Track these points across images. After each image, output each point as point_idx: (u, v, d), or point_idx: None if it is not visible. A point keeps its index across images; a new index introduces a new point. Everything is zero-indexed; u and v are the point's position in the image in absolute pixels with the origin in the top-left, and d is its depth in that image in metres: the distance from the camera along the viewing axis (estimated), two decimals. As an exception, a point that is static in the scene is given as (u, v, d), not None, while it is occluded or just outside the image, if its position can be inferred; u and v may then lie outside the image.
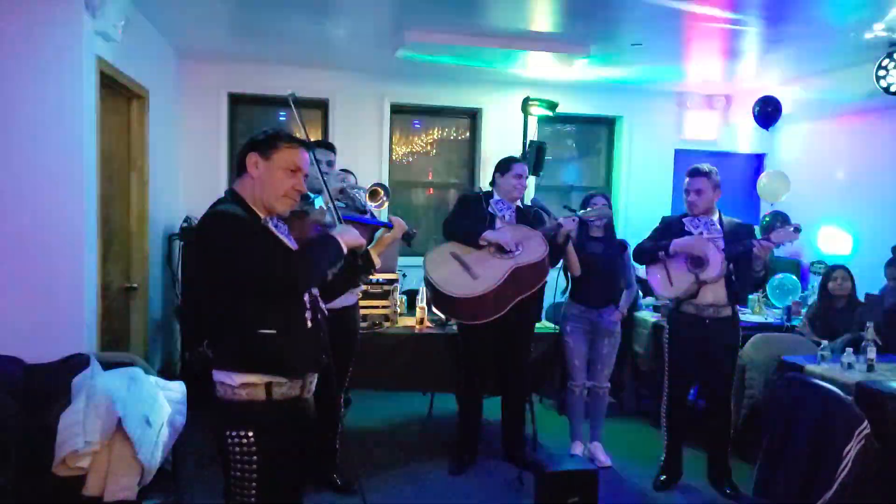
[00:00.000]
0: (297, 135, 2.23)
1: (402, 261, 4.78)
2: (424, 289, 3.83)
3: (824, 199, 6.03)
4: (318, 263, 2.10)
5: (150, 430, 2.62)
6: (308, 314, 2.13)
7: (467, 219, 3.87)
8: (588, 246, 4.08)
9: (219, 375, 2.05)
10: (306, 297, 2.14)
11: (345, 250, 2.14)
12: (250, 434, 2.02)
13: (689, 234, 3.74)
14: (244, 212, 2.06)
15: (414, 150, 6.56)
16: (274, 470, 2.07)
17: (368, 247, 2.54)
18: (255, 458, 2.02)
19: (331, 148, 3.67)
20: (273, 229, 2.11)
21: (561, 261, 4.02)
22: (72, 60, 3.20)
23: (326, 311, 2.28)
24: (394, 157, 6.41)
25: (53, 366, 3.02)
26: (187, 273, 4.84)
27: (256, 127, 5.72)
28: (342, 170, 3.77)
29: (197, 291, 2.14)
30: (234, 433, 2.02)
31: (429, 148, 6.60)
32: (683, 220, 3.82)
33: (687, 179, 3.77)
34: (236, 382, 2.02)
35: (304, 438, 2.21)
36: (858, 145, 5.73)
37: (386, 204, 3.22)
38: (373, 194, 3.11)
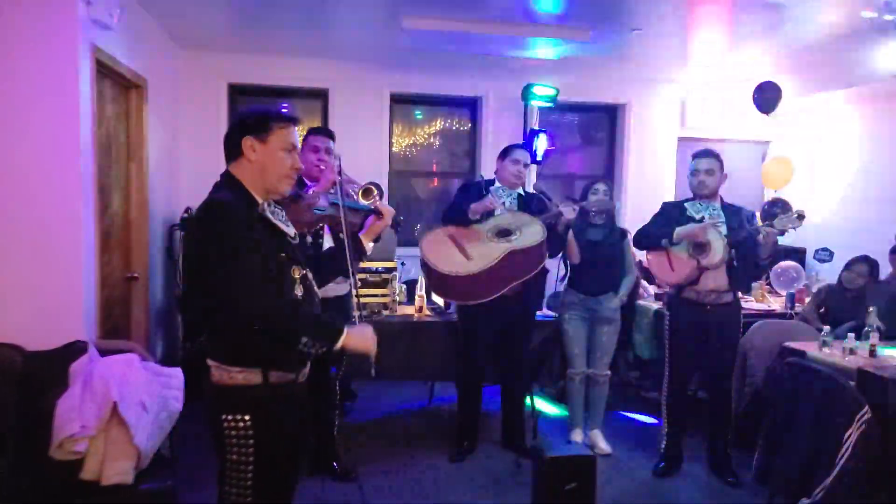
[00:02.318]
0: None
1: (400, 251, 4.77)
2: (421, 273, 3.82)
3: (829, 186, 5.99)
4: (301, 330, 2.00)
5: (146, 415, 2.63)
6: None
7: (466, 205, 3.86)
8: (588, 233, 4.07)
9: (214, 362, 2.05)
10: (299, 291, 2.10)
11: (338, 345, 2.04)
12: (247, 418, 2.01)
13: (692, 218, 3.72)
14: (242, 198, 2.04)
15: (416, 140, 6.54)
16: (270, 453, 2.06)
17: (360, 234, 2.54)
18: (251, 441, 2.02)
19: (329, 134, 3.62)
20: (270, 217, 2.09)
21: (562, 251, 4.01)
22: (67, 48, 3.18)
23: (320, 298, 2.27)
24: (395, 149, 6.40)
25: (53, 353, 3.02)
26: (186, 262, 4.83)
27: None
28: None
29: (194, 281, 2.11)
30: (230, 417, 2.02)
31: (431, 139, 6.58)
32: (685, 204, 3.81)
33: (695, 161, 3.75)
34: (233, 368, 2.01)
35: (299, 422, 2.21)
36: (864, 131, 5.68)
37: (378, 202, 3.20)
38: (366, 192, 3.09)
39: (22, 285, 3.16)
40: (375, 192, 3.13)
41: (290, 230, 2.17)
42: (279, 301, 1.99)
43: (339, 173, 2.65)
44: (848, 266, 4.59)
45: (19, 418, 2.59)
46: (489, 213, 3.79)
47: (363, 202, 2.98)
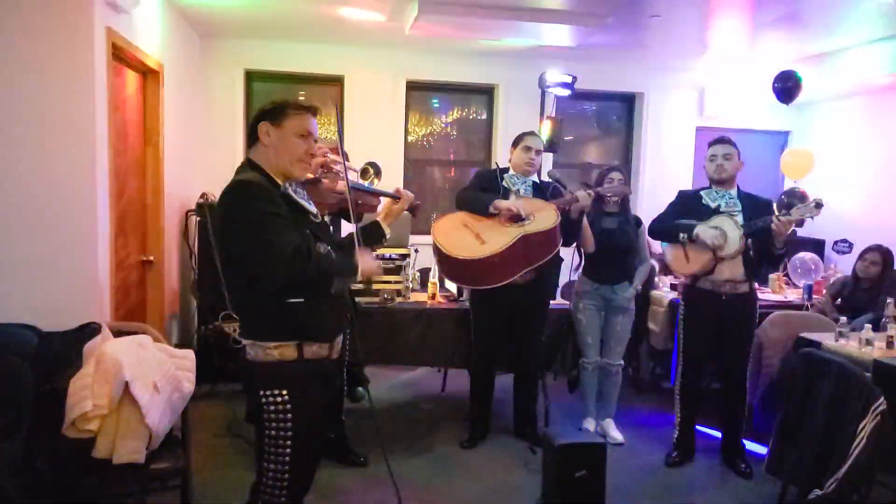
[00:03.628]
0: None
1: (414, 238, 4.76)
2: (433, 257, 3.81)
3: (850, 177, 5.89)
4: (329, 274, 2.14)
5: (158, 396, 2.64)
6: None
7: (481, 192, 3.84)
8: (602, 221, 4.04)
9: (249, 340, 2.10)
10: None
11: (358, 277, 2.20)
12: (284, 393, 2.08)
13: (707, 207, 3.67)
14: (265, 179, 2.11)
15: (432, 129, 6.53)
16: (306, 428, 2.13)
17: (378, 218, 2.55)
18: (289, 416, 2.08)
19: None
20: (293, 195, 2.17)
21: (577, 240, 3.98)
22: (81, 31, 3.18)
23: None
24: (412, 138, 6.41)
25: (67, 334, 3.05)
26: (211, 243, 4.83)
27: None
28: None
29: (221, 261, 2.18)
30: (268, 392, 2.08)
31: (447, 128, 6.56)
32: (701, 192, 3.76)
33: (712, 147, 3.71)
34: (269, 344, 2.07)
35: (330, 399, 2.27)
36: (886, 121, 5.57)
37: (376, 182, 3.19)
38: (364, 172, 3.09)
39: (38, 267, 3.19)
40: (371, 171, 3.13)
41: (313, 208, 2.26)
42: (308, 255, 2.07)
43: (339, 153, 2.64)
44: (861, 256, 4.55)
45: (33, 397, 2.62)
46: (504, 199, 3.77)
47: (362, 182, 2.99)
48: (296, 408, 2.08)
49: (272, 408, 2.08)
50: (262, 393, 2.08)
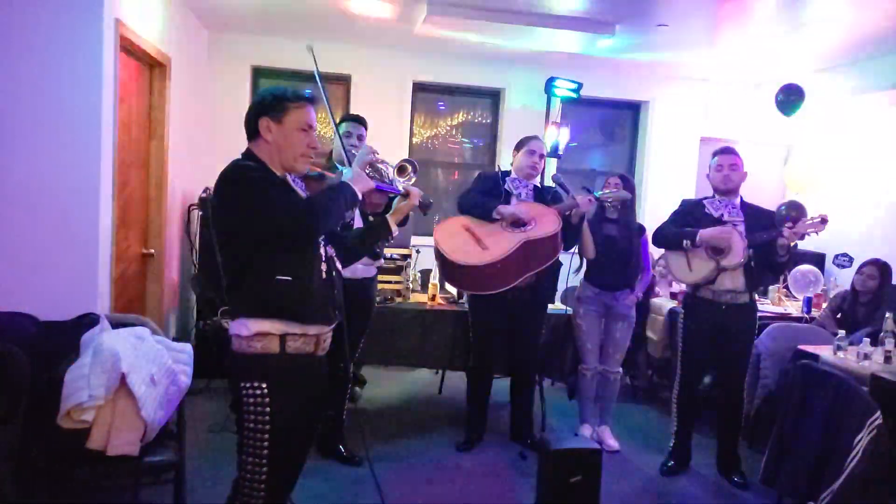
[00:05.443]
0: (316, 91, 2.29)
1: (416, 239, 4.77)
2: (435, 261, 3.81)
3: (850, 190, 5.88)
4: (334, 208, 2.13)
5: (154, 389, 2.65)
6: (323, 266, 2.17)
7: (483, 195, 3.85)
8: (604, 227, 4.03)
9: (235, 328, 2.08)
10: (322, 251, 2.18)
11: (359, 196, 2.21)
12: (264, 386, 2.06)
13: (710, 216, 3.67)
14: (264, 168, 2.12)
15: (437, 132, 6.54)
16: (287, 423, 2.10)
17: (386, 215, 2.52)
18: (268, 409, 2.06)
19: (361, 121, 3.67)
20: (290, 182, 2.18)
21: (576, 244, 3.98)
22: (90, 22, 3.20)
23: (342, 271, 2.32)
24: (417, 140, 6.42)
25: (65, 324, 3.07)
26: (212, 237, 4.85)
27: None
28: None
29: (219, 241, 2.16)
30: (248, 384, 2.06)
31: (453, 131, 6.57)
32: (704, 201, 3.76)
33: (719, 157, 3.72)
34: (251, 331, 2.04)
35: (315, 396, 2.24)
36: (887, 137, 5.57)
37: (414, 179, 3.14)
38: (401, 170, 3.05)
39: (38, 256, 3.20)
40: (410, 168, 3.08)
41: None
42: (305, 204, 2.11)
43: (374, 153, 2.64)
44: (859, 270, 4.56)
45: (30, 386, 2.62)
46: (506, 202, 3.77)
47: (399, 179, 2.95)
48: (275, 402, 2.06)
49: (251, 400, 2.05)
50: (242, 385, 2.06)
